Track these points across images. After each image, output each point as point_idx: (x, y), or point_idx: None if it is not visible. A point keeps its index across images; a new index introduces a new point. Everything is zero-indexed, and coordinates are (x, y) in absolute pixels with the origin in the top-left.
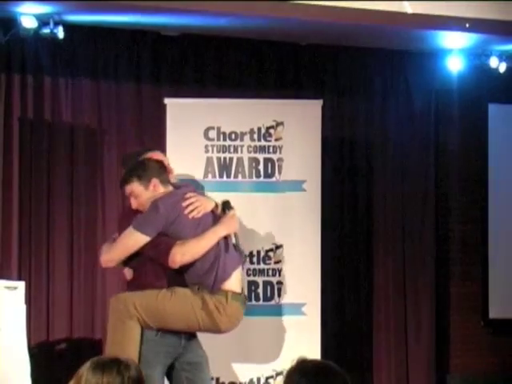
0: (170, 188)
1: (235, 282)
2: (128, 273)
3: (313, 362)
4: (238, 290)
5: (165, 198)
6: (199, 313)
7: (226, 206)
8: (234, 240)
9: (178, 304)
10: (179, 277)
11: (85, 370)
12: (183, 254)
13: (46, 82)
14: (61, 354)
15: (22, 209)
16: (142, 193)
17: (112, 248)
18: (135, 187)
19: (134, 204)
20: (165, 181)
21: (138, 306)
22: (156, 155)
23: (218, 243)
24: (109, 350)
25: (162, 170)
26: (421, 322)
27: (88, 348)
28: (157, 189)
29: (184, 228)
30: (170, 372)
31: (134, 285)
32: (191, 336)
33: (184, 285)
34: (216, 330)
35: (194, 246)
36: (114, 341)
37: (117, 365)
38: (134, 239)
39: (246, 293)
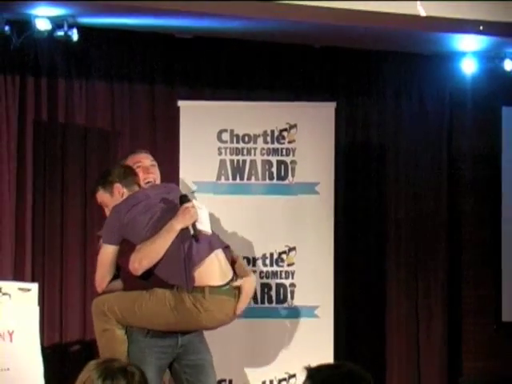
0: (134, 188)
1: (213, 273)
2: (111, 286)
3: (327, 370)
4: (219, 282)
5: (121, 201)
6: (177, 312)
7: (184, 199)
8: (192, 231)
9: (156, 305)
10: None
11: (94, 378)
12: (140, 260)
13: (60, 84)
14: (74, 356)
15: (35, 210)
16: (109, 200)
17: (96, 270)
18: (101, 196)
19: (107, 213)
20: (129, 184)
21: (117, 309)
22: (136, 158)
23: (178, 238)
24: (101, 355)
25: (126, 173)
26: (433, 325)
27: None
28: (121, 193)
29: (140, 230)
30: (171, 372)
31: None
32: (194, 337)
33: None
34: (201, 326)
35: (150, 249)
36: (101, 345)
37: (123, 373)
38: (104, 253)
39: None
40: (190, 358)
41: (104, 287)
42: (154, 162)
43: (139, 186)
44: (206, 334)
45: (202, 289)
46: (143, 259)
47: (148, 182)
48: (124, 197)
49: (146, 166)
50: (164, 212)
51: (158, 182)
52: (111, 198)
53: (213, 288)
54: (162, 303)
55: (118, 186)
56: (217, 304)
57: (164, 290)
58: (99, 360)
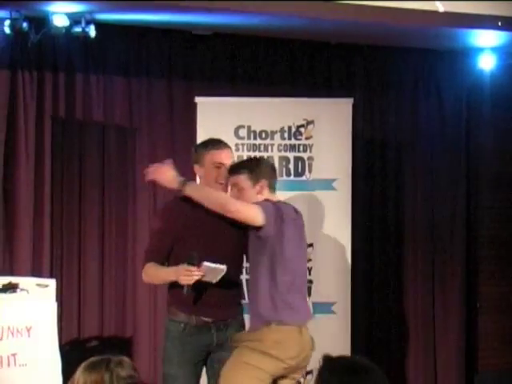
0: (275, 195)
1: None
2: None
3: (343, 360)
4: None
5: (280, 207)
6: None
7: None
8: (185, 290)
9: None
10: None
11: (79, 373)
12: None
13: (78, 80)
14: (92, 352)
15: (53, 207)
16: (248, 189)
17: None
18: (242, 180)
19: (234, 194)
20: (272, 186)
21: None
22: (219, 156)
23: None
24: None
25: (273, 174)
26: (450, 321)
27: (119, 346)
28: (263, 191)
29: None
30: (205, 364)
31: None
32: (232, 334)
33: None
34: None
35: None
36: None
37: (106, 362)
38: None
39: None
40: (223, 353)
41: None
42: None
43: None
44: None
45: None
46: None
47: (220, 183)
48: (261, 196)
49: (226, 166)
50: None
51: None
52: (251, 188)
53: None
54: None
55: (264, 183)
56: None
57: None
58: None
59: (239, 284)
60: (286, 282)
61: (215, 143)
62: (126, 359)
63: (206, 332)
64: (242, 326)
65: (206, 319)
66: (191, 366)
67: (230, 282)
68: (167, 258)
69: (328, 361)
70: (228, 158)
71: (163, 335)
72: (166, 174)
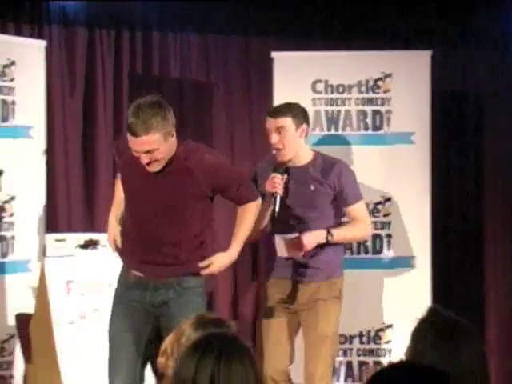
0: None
1: None
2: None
3: (446, 317)
4: None
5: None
6: None
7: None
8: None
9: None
10: None
11: (187, 326)
12: None
13: (155, 37)
14: None
15: None
16: (291, 130)
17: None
18: (288, 124)
19: (276, 139)
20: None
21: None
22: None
23: None
24: None
25: (308, 121)
26: None
27: None
28: (302, 136)
29: None
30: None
31: None
32: (172, 299)
33: None
34: None
35: None
36: None
37: (219, 325)
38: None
39: None
40: (168, 321)
41: None
42: None
43: None
44: None
45: None
46: None
47: None
48: (301, 140)
49: None
50: None
51: None
52: (294, 131)
53: None
54: None
55: (305, 128)
56: None
57: None
58: None
59: (179, 244)
60: None
61: None
62: (235, 323)
63: (139, 289)
64: (198, 295)
65: (137, 273)
66: (123, 324)
67: (168, 241)
68: None
69: (432, 314)
70: None
71: None
72: (312, 241)
